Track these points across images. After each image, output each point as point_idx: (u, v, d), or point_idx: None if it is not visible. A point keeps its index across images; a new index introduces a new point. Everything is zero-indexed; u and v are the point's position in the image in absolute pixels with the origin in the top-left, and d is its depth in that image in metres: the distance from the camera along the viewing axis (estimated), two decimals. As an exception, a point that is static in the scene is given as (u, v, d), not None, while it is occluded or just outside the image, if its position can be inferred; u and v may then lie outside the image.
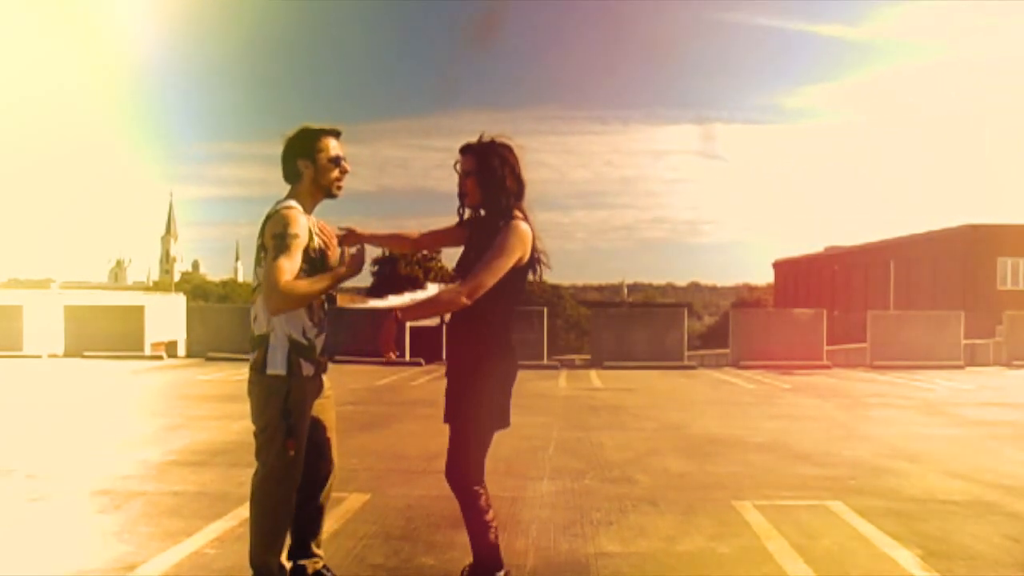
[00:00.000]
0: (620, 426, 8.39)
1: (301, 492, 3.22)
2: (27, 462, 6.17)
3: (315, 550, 3.35)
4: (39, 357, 16.77)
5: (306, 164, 3.09)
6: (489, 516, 3.25)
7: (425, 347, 19.94)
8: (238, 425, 7.67)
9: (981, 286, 33.61)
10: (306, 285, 2.98)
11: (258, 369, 3.07)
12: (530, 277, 3.21)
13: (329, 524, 4.40)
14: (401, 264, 72.92)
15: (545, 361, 17.46)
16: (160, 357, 17.48)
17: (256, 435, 3.16)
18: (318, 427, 3.25)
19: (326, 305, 3.23)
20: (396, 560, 3.90)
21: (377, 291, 61.59)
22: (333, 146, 3.11)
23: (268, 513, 3.14)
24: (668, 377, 14.25)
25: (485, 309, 3.09)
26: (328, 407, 3.33)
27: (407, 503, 4.95)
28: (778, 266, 59.42)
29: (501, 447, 7.04)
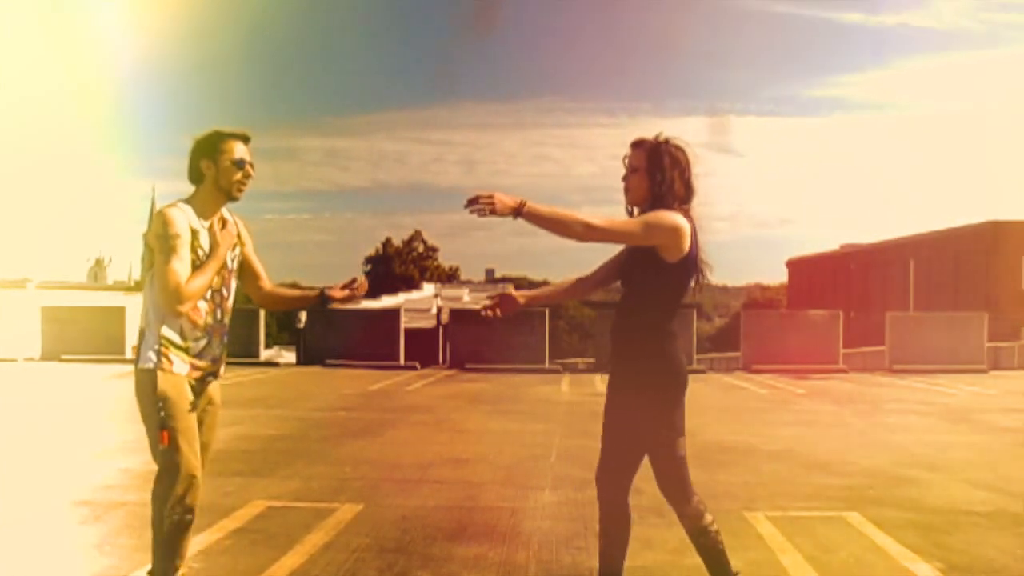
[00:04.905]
0: (626, 433, 8.38)
1: None
2: (3, 471, 6.17)
3: (175, 561, 3.34)
4: (14, 361, 16.76)
5: (208, 165, 3.19)
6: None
7: (421, 351, 19.96)
8: (222, 432, 7.63)
9: (1005, 286, 33.60)
10: (198, 279, 3.10)
11: (135, 363, 3.19)
12: (692, 285, 3.26)
13: (320, 536, 4.41)
14: (396, 263, 73.04)
15: (547, 365, 17.46)
16: (142, 361, 17.46)
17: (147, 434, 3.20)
18: None
19: (219, 312, 3.26)
20: (390, 574, 3.90)
21: (370, 291, 61.50)
22: (238, 149, 3.21)
23: (157, 515, 3.15)
24: (676, 382, 14.19)
25: (646, 316, 3.16)
26: (207, 420, 3.35)
27: (402, 514, 4.95)
28: (792, 265, 59.46)
29: (501, 455, 7.07)
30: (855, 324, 23.15)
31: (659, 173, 3.11)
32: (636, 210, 3.20)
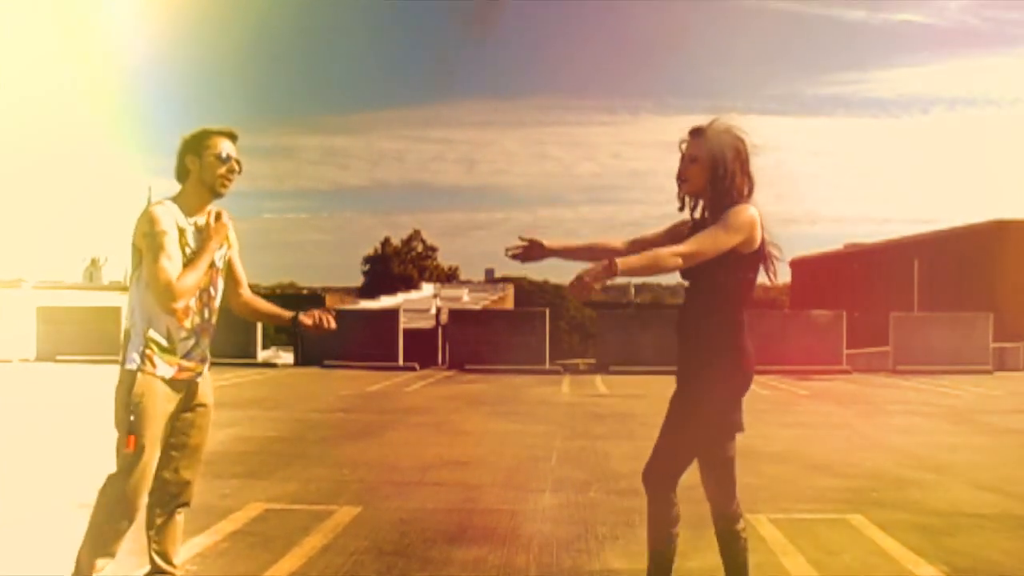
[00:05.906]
0: (627, 435, 8.38)
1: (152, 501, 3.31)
2: (3, 473, 6.17)
3: (163, 565, 3.37)
4: (9, 362, 16.76)
5: (193, 160, 3.21)
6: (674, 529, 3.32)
7: (420, 351, 19.96)
8: (221, 434, 7.67)
9: (1010, 286, 33.56)
10: (190, 274, 3.12)
11: (120, 364, 3.23)
12: (761, 279, 3.21)
13: (317, 539, 4.41)
14: (395, 263, 73.01)
15: (547, 366, 17.47)
16: (138, 361, 17.46)
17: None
18: (175, 435, 3.29)
19: (207, 312, 3.29)
20: (389, 577, 3.90)
21: (368, 291, 61.55)
22: (223, 145, 3.23)
23: (100, 510, 3.19)
24: (678, 383, 14.20)
25: (714, 308, 3.10)
26: (199, 421, 3.36)
27: (400, 517, 4.95)
28: (795, 265, 59.32)
29: (501, 457, 7.07)
30: (858, 324, 23.13)
31: (722, 166, 3.01)
32: (688, 199, 3.13)
